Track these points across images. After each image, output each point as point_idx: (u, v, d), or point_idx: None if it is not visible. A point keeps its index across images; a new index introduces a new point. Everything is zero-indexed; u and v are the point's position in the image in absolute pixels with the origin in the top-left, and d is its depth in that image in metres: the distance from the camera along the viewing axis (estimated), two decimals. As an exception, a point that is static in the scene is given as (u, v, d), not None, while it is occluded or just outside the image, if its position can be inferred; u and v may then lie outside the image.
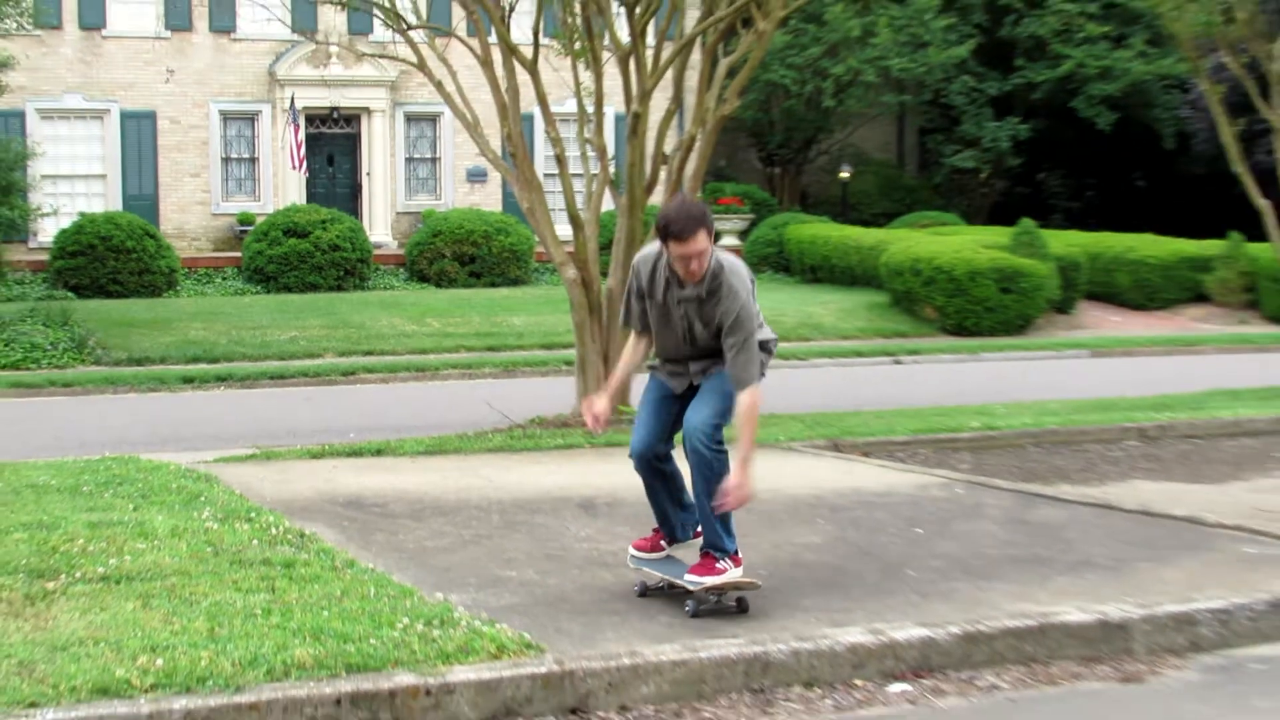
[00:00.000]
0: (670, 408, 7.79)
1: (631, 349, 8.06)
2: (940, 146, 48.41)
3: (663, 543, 7.93)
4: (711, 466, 7.42)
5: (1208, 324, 35.34)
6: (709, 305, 7.46)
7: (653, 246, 7.69)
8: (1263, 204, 20.08)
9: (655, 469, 7.77)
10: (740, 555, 7.57)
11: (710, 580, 7.36)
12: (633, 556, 7.96)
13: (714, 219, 7.45)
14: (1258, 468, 13.09)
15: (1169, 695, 6.69)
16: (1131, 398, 18.25)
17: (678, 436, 7.80)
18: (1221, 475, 12.72)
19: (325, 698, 6.02)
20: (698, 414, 7.51)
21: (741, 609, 7.41)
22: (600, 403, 7.84)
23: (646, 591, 7.76)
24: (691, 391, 7.76)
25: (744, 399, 7.40)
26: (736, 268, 7.52)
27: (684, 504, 7.87)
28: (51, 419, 19.91)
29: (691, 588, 7.36)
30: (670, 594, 7.67)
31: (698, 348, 7.65)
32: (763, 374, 7.59)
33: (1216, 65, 26.97)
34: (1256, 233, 26.37)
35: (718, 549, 7.49)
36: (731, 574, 7.39)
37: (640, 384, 8.40)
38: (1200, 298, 36.85)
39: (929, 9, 44.46)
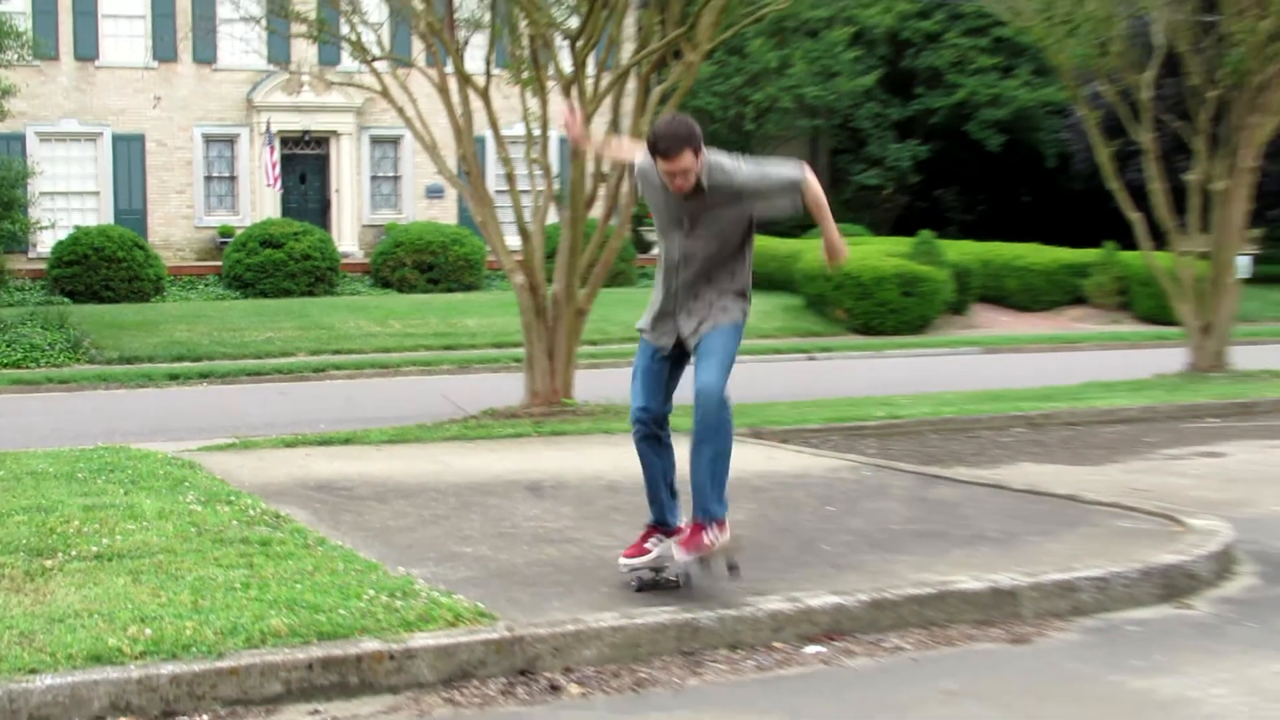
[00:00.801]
0: (662, 371, 7.33)
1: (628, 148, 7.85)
2: (849, 166, 48.63)
3: (648, 545, 7.32)
4: (720, 429, 6.99)
5: (1085, 323, 35.61)
6: (697, 205, 6.98)
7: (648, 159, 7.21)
8: (1134, 217, 20.22)
9: (652, 434, 7.28)
10: (727, 521, 7.10)
11: (701, 553, 7.00)
12: (628, 568, 7.33)
13: (698, 130, 6.90)
14: (1130, 451, 13.19)
15: (1053, 654, 6.72)
16: (1019, 389, 18.35)
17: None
18: (1099, 458, 12.80)
19: (298, 662, 5.98)
20: (707, 374, 7.02)
21: (732, 569, 7.15)
22: (591, 132, 7.80)
23: (644, 586, 7.24)
24: (680, 352, 7.31)
25: (812, 182, 7.01)
26: (721, 164, 7.00)
27: (674, 490, 7.40)
28: (49, 413, 19.78)
29: (680, 557, 7.02)
30: (665, 587, 7.25)
31: (690, 260, 7.12)
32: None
33: (1093, 93, 27.11)
34: (1129, 242, 26.57)
35: (709, 515, 7.00)
36: (721, 538, 7.00)
37: None
38: (1079, 300, 37.14)
39: (839, 43, 44.71)
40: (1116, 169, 20.67)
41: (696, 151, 6.81)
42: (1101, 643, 6.90)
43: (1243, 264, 23.97)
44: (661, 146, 6.79)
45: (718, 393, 6.95)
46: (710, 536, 6.96)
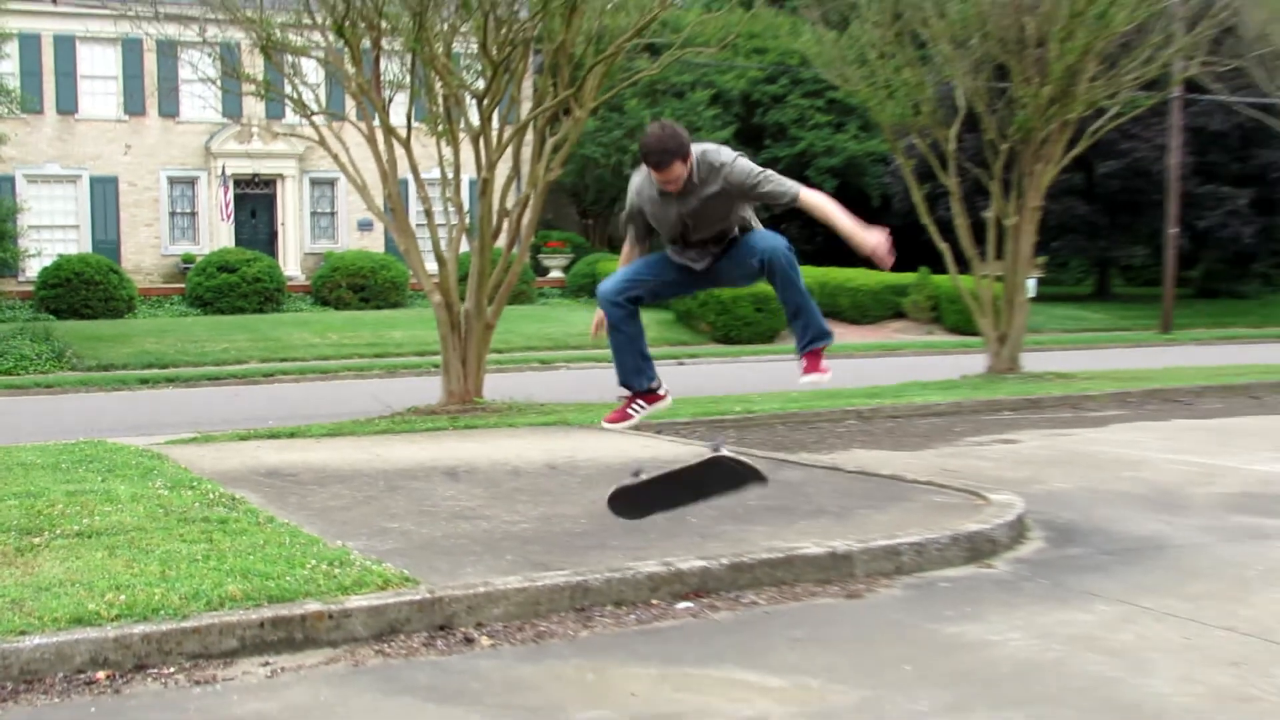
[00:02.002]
0: (666, 274, 6.92)
1: (630, 253, 7.10)
2: (711, 204, 48.77)
3: (630, 408, 7.10)
4: (794, 269, 6.72)
5: (905, 334, 36.02)
6: (692, 196, 6.54)
7: (641, 171, 6.76)
8: (943, 246, 20.48)
9: (626, 312, 6.86)
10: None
11: (823, 378, 6.88)
12: (610, 429, 7.24)
13: (688, 142, 6.41)
14: (942, 439, 13.34)
15: (880, 607, 6.78)
16: (851, 389, 18.49)
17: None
18: (917, 445, 12.93)
19: (251, 622, 5.90)
20: (765, 240, 6.67)
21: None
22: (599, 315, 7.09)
23: (640, 471, 7.09)
24: (701, 272, 6.92)
25: (808, 200, 6.69)
26: (708, 155, 6.56)
27: (643, 352, 7.06)
28: (36, 413, 19.38)
29: (812, 382, 6.87)
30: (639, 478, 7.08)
31: (701, 244, 6.79)
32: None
33: (909, 145, 27.41)
34: (939, 267, 26.93)
35: (824, 335, 6.92)
36: (828, 372, 6.93)
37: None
38: (899, 315, 37.59)
39: (701, 102, 44.91)
40: (928, 207, 20.92)
41: (685, 159, 6.40)
42: (920, 597, 6.97)
43: (1030, 285, 24.37)
44: (653, 160, 6.40)
45: (782, 242, 6.71)
46: (826, 363, 6.94)
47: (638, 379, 7.00)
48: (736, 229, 6.83)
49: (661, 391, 7.05)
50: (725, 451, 7.14)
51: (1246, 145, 41.24)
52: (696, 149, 6.52)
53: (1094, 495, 9.92)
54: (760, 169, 6.58)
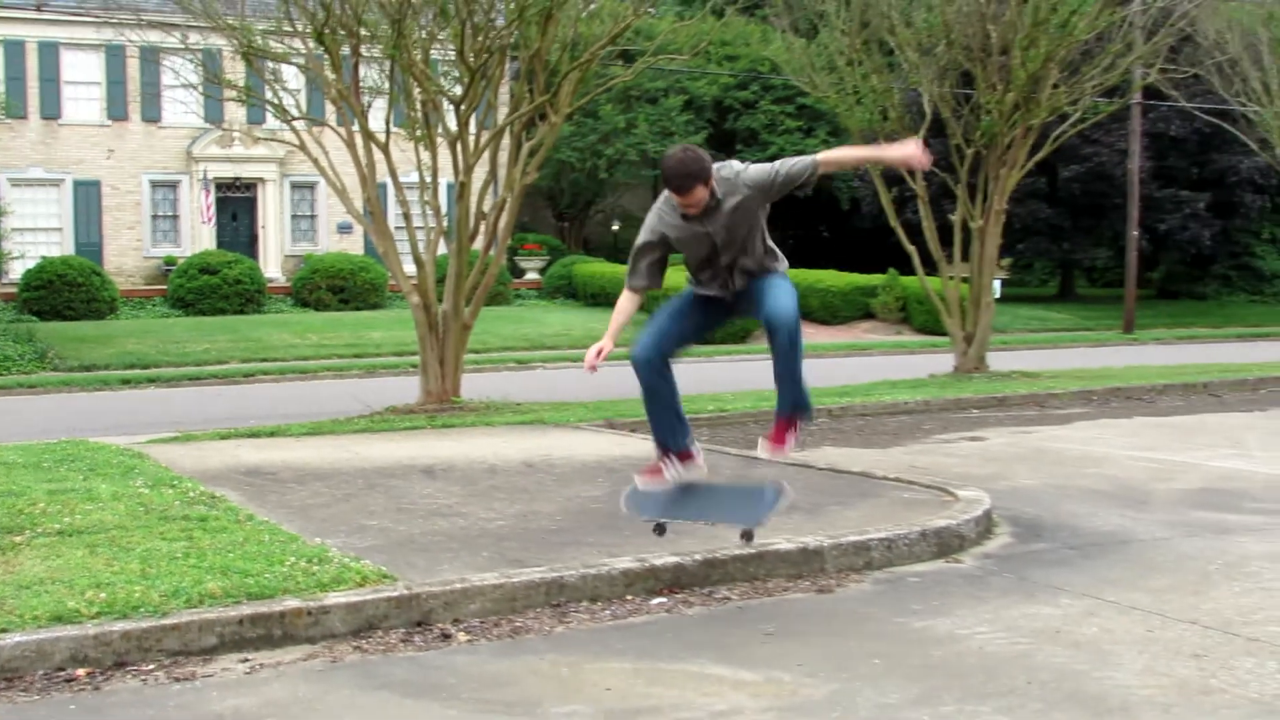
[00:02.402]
0: (692, 317, 6.58)
1: (626, 304, 6.73)
2: (684, 207, 48.80)
3: (663, 463, 6.64)
4: (796, 344, 6.48)
5: (874, 334, 36.06)
6: (718, 217, 6.27)
7: (660, 197, 6.48)
8: (911, 249, 20.51)
9: (659, 371, 6.49)
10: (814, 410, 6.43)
11: (786, 451, 6.47)
12: (647, 486, 6.72)
13: (709, 164, 6.16)
14: (911, 437, 13.35)
15: (850, 601, 6.76)
16: (822, 387, 18.48)
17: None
18: (886, 442, 12.94)
19: (231, 619, 5.85)
20: (779, 302, 6.31)
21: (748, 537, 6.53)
22: (603, 344, 6.62)
23: (663, 531, 6.72)
24: (729, 301, 6.62)
25: (829, 159, 6.42)
26: (725, 173, 6.34)
27: (680, 412, 6.67)
28: (19, 413, 19.23)
29: (767, 456, 6.47)
30: (676, 529, 6.73)
31: (725, 251, 6.44)
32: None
33: (878, 149, 27.46)
34: (907, 269, 26.97)
35: (805, 409, 6.56)
36: (789, 443, 6.48)
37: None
38: (869, 315, 37.60)
39: (674, 108, 44.94)
40: (896, 211, 20.93)
41: (706, 181, 6.14)
42: (889, 591, 6.96)
43: (996, 287, 24.41)
44: (675, 184, 6.14)
45: (793, 309, 6.39)
46: (798, 432, 6.52)
47: (674, 439, 6.63)
48: (761, 248, 6.52)
49: (695, 451, 6.72)
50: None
51: (1205, 150, 41.44)
52: (718, 172, 6.35)
53: (1059, 491, 9.93)
54: (773, 164, 6.40)
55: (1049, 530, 8.49)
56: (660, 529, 6.60)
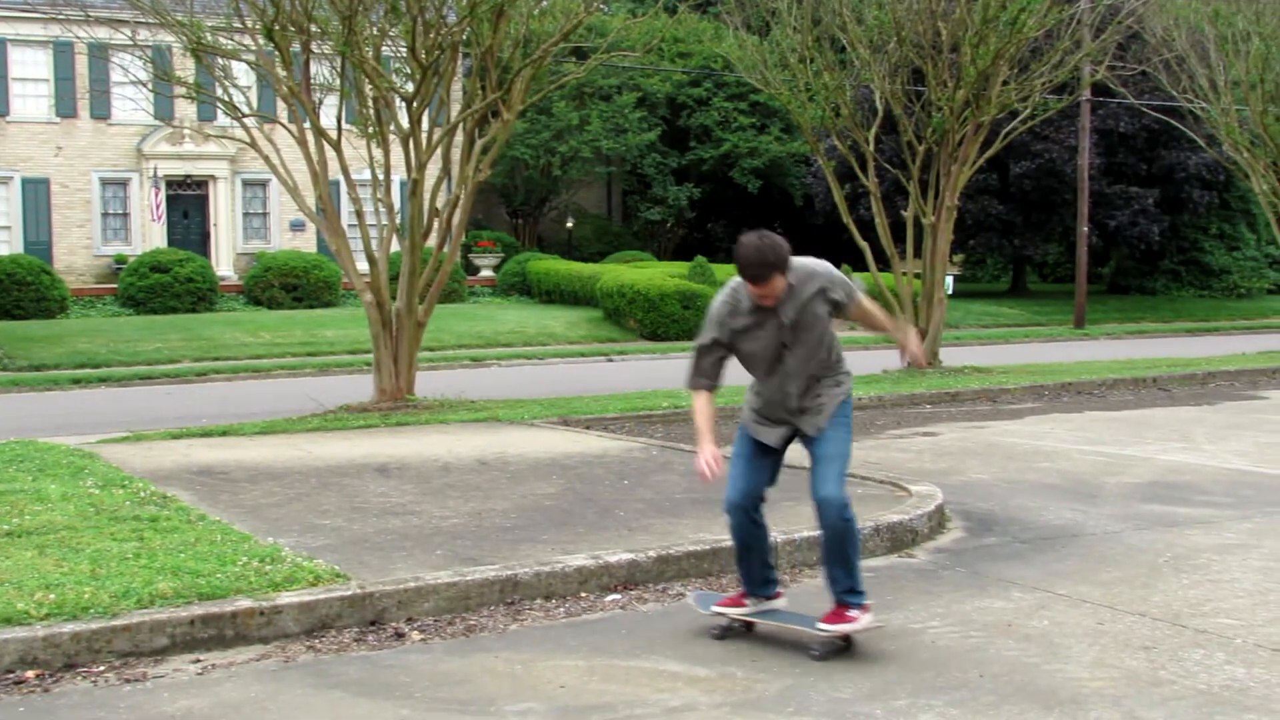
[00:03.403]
0: (764, 460, 6.06)
1: (703, 404, 6.14)
2: (637, 204, 48.90)
3: (745, 600, 6.15)
4: (846, 536, 5.80)
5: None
6: (789, 308, 5.81)
7: (724, 290, 5.98)
8: (864, 245, 20.57)
9: (751, 519, 6.00)
10: (869, 604, 5.92)
11: (845, 627, 5.79)
12: (721, 614, 6.13)
13: (787, 252, 5.71)
14: (864, 432, 13.38)
15: (803, 596, 6.76)
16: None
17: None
18: (839, 437, 12.95)
19: (182, 619, 5.80)
20: (828, 487, 5.81)
21: (846, 644, 5.85)
22: (707, 450, 5.99)
23: (729, 633, 6.08)
24: (785, 444, 6.09)
25: (862, 305, 6.00)
26: (805, 260, 5.91)
27: (769, 561, 6.18)
28: (-32, 412, 18.99)
29: (823, 634, 5.77)
30: (744, 633, 6.13)
31: (794, 360, 5.91)
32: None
33: (830, 147, 27.58)
34: (861, 265, 27.03)
35: (849, 602, 5.85)
36: (861, 620, 5.82)
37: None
38: (823, 311, 37.62)
39: (627, 105, 44.94)
40: (849, 207, 21.03)
41: (784, 271, 5.70)
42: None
43: (948, 283, 24.54)
44: (751, 273, 5.65)
45: (841, 502, 5.79)
46: (853, 614, 5.83)
47: (764, 589, 6.15)
48: (828, 355, 6.01)
49: (780, 591, 6.26)
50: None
51: (1153, 146, 41.82)
52: (796, 266, 5.88)
53: (1011, 485, 10.00)
54: (845, 278, 6.00)
55: (1001, 524, 8.54)
56: (728, 629, 6.11)
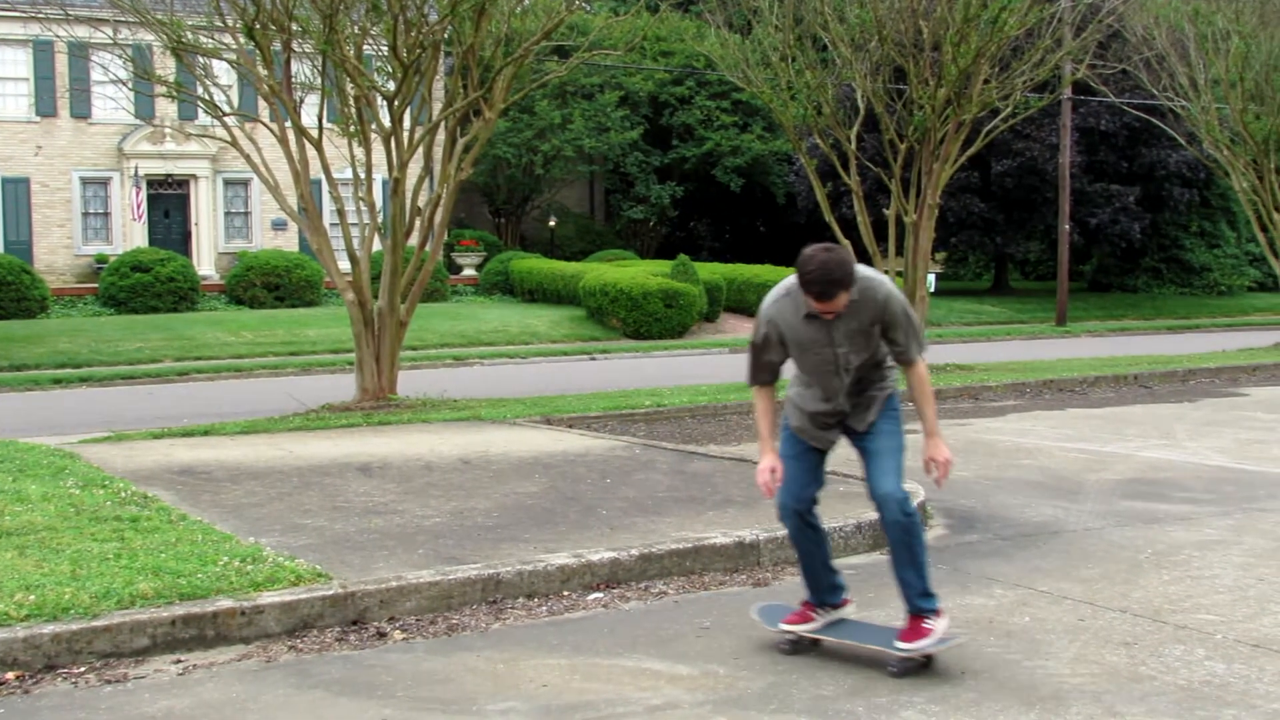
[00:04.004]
0: (812, 459, 5.82)
1: (763, 401, 5.92)
2: (620, 203, 48.87)
3: (812, 613, 5.90)
4: (911, 532, 5.55)
5: (810, 328, 36.16)
6: (850, 321, 5.56)
7: (779, 290, 5.75)
8: (845, 243, 20.46)
9: (806, 523, 5.78)
10: (942, 608, 5.68)
11: (924, 643, 5.47)
12: (788, 632, 5.85)
13: (854, 267, 5.43)
14: (846, 429, 13.38)
15: (787, 593, 6.75)
16: (758, 381, 18.51)
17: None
18: (821, 435, 12.96)
19: (163, 620, 5.78)
20: (887, 482, 5.59)
21: (925, 663, 5.55)
22: (766, 460, 5.82)
23: (798, 649, 5.81)
24: (832, 444, 5.87)
25: (919, 370, 5.68)
26: (868, 276, 5.58)
27: (831, 566, 5.95)
28: (-52, 413, 18.91)
29: (903, 654, 5.47)
30: (815, 650, 5.84)
31: (845, 371, 5.66)
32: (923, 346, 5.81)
33: (812, 145, 27.60)
34: (843, 263, 27.08)
35: (923, 610, 5.58)
36: (939, 628, 5.53)
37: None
38: (805, 309, 37.68)
39: (610, 104, 44.91)
40: (831, 205, 21.03)
41: (849, 288, 5.42)
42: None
43: (930, 280, 24.58)
44: (816, 290, 5.39)
45: (901, 496, 5.56)
46: (929, 624, 5.55)
47: (830, 595, 5.94)
48: (881, 365, 5.78)
49: (848, 598, 6.05)
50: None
51: (1134, 144, 41.96)
52: (860, 277, 5.58)
53: (992, 483, 10.02)
54: (906, 312, 5.65)
55: (982, 521, 8.56)
56: (797, 644, 5.85)
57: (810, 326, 5.61)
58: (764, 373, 5.88)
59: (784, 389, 6.08)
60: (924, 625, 5.54)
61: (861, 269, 5.53)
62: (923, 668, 5.50)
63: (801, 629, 5.84)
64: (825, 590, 5.92)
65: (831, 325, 5.58)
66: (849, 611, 6.01)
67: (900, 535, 5.57)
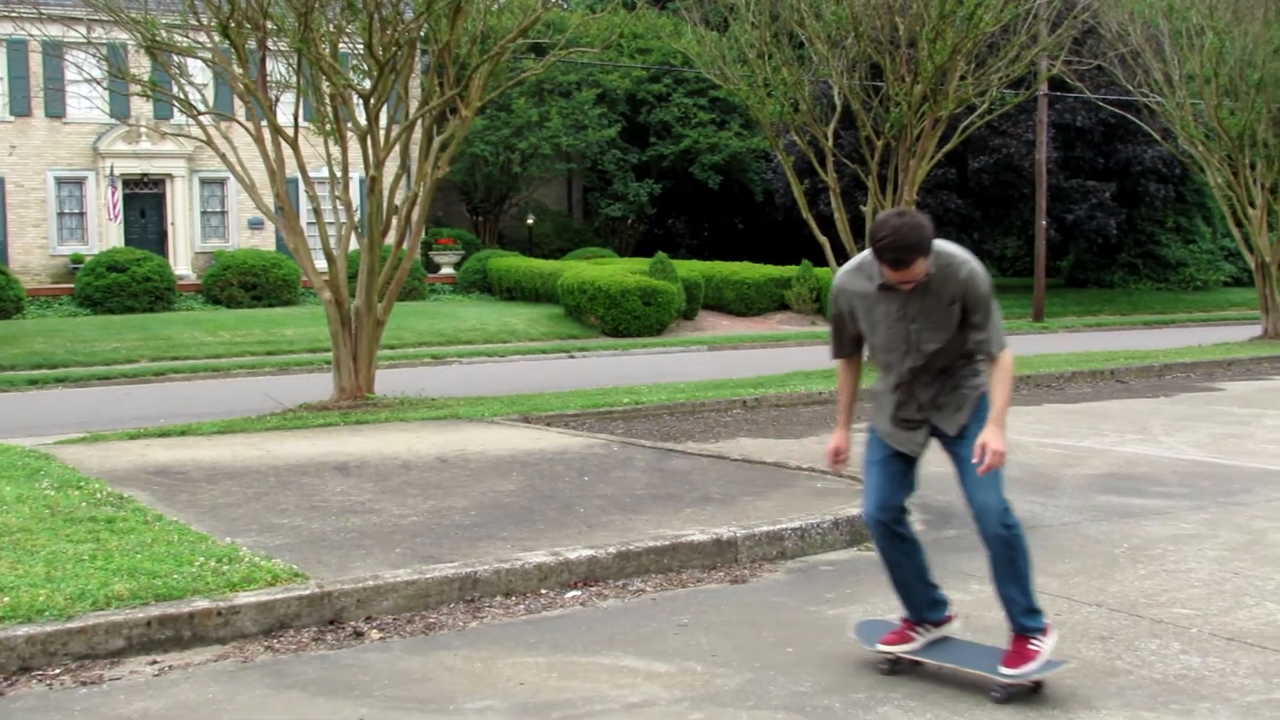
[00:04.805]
0: (900, 465, 5.40)
1: (846, 374, 5.59)
2: (598, 200, 48.84)
3: (911, 632, 5.48)
4: (1013, 545, 5.12)
5: (789, 325, 36.26)
6: (922, 295, 5.12)
7: (852, 261, 5.38)
8: (823, 240, 20.61)
9: (893, 533, 5.36)
10: (1049, 624, 5.26)
11: (1031, 667, 5.08)
12: (886, 652, 5.45)
13: (931, 232, 4.99)
14: (825, 426, 13.42)
15: (764, 591, 6.79)
16: (737, 379, 18.59)
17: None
18: (800, 432, 13.01)
19: (138, 621, 5.76)
20: (984, 492, 5.12)
21: (1036, 689, 5.16)
22: (837, 440, 5.60)
23: (896, 670, 5.43)
24: (923, 447, 5.40)
25: (1003, 359, 5.14)
26: (951, 251, 5.14)
27: (928, 579, 5.50)
28: (-77, 414, 18.79)
29: (1008, 680, 5.08)
30: (916, 670, 5.46)
31: (928, 356, 5.23)
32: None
33: (789, 142, 27.58)
34: (820, 260, 27.16)
35: (1028, 629, 5.17)
36: (1046, 648, 5.13)
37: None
38: (783, 306, 37.79)
39: (587, 101, 44.88)
40: (808, 202, 21.07)
41: (927, 255, 4.99)
42: (802, 580, 7.00)
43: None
44: (889, 258, 4.96)
45: (1001, 507, 5.12)
46: (1035, 645, 5.15)
47: (931, 611, 5.51)
48: (970, 356, 5.32)
49: (951, 613, 5.64)
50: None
51: (1109, 140, 42.10)
52: (939, 248, 5.16)
53: (969, 478, 10.02)
54: (990, 297, 5.22)
55: (960, 517, 8.56)
56: (895, 665, 5.47)
57: (884, 299, 5.21)
58: (846, 345, 5.50)
59: (871, 376, 5.64)
60: (1029, 647, 5.15)
61: (944, 243, 5.14)
62: (1031, 693, 5.13)
63: (900, 649, 5.46)
64: (924, 606, 5.50)
65: (906, 299, 5.16)
66: (953, 629, 5.63)
67: (1001, 549, 5.15)
